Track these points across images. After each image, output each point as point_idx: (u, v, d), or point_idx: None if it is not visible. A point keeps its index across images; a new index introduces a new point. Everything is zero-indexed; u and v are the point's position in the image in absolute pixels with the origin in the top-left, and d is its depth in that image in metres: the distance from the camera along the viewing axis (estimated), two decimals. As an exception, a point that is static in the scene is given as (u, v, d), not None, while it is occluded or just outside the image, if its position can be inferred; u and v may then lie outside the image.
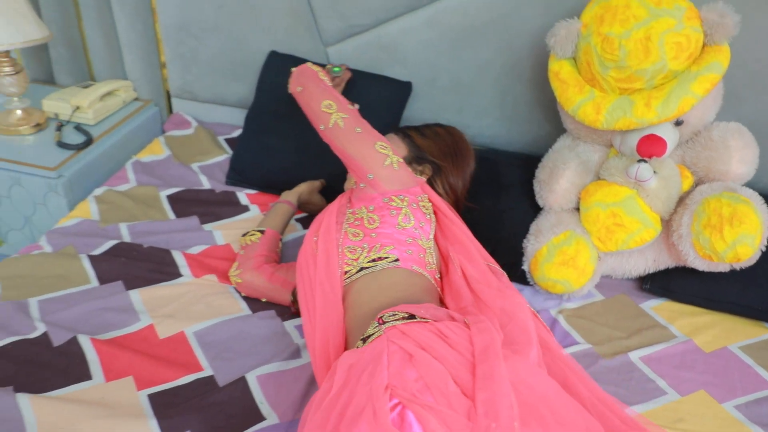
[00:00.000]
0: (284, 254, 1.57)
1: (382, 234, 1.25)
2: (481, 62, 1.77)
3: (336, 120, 1.36)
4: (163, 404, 1.20)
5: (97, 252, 1.55)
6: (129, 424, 1.15)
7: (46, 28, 1.80)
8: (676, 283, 1.47)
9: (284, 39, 1.89)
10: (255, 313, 1.42)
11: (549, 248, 1.42)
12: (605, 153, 1.54)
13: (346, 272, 1.23)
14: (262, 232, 1.50)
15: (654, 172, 1.39)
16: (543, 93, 1.73)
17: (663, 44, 1.34)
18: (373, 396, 0.88)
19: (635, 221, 1.40)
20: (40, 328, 1.33)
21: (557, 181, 1.49)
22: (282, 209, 1.57)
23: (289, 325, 1.39)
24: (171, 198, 1.76)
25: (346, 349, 1.16)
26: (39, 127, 1.91)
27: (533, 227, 1.50)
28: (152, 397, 1.22)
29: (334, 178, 1.72)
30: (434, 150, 1.47)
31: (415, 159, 1.45)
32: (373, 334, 1.03)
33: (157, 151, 1.95)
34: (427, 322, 1.02)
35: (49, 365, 1.26)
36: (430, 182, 1.44)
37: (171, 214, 1.71)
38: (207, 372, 1.27)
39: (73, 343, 1.30)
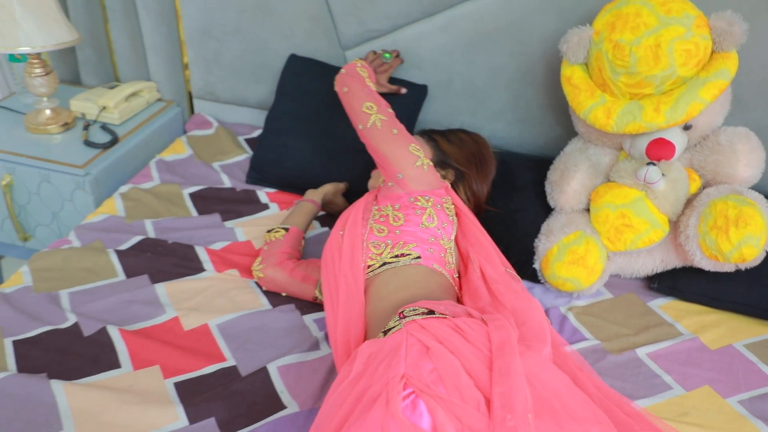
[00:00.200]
0: (304, 251, 1.62)
1: (405, 232, 1.30)
2: (495, 67, 1.82)
3: (375, 120, 1.42)
4: (188, 392, 1.26)
5: (123, 247, 1.61)
6: (157, 410, 1.21)
7: (76, 32, 1.87)
8: (683, 282, 1.50)
9: (303, 43, 1.95)
10: (275, 307, 1.47)
11: (559, 247, 1.46)
12: (615, 156, 1.58)
13: (369, 266, 1.29)
14: (286, 229, 1.55)
15: (662, 174, 1.43)
16: (555, 97, 1.78)
17: (672, 51, 1.38)
18: (388, 385, 0.93)
19: (644, 222, 1.44)
20: (71, 319, 1.40)
21: (568, 183, 1.54)
22: (306, 208, 1.63)
23: (308, 318, 1.45)
24: (193, 196, 1.82)
25: (365, 339, 1.21)
26: (67, 126, 1.98)
27: (544, 227, 1.54)
28: (178, 386, 1.27)
29: (353, 180, 1.77)
30: (459, 156, 1.53)
31: (439, 163, 1.50)
32: (393, 327, 1.08)
33: (179, 151, 2.01)
34: (445, 317, 1.07)
35: (80, 354, 1.32)
36: (453, 187, 1.49)
37: (194, 212, 1.77)
38: (230, 362, 1.33)
39: (103, 333, 1.36)
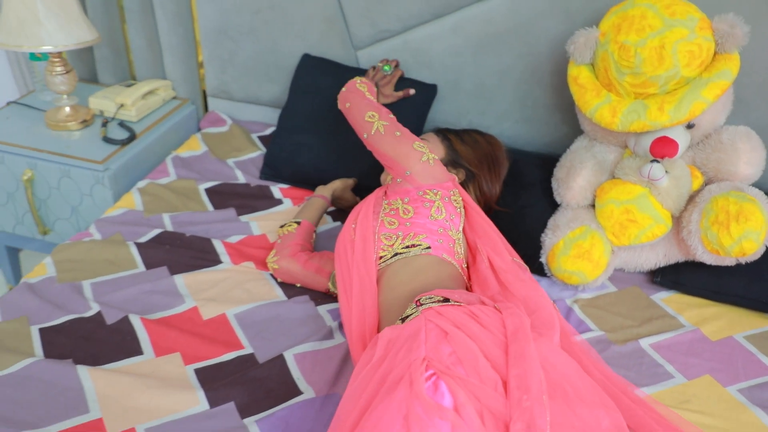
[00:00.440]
0: (316, 244, 1.67)
1: (415, 224, 1.35)
2: (503, 67, 1.87)
3: (377, 127, 1.48)
4: (208, 378, 1.31)
5: (142, 240, 1.66)
6: (179, 394, 1.26)
7: (96, 31, 1.92)
8: (685, 276, 1.55)
9: (317, 43, 2.00)
10: (290, 298, 1.52)
11: (565, 242, 1.51)
12: (620, 153, 1.63)
13: (381, 257, 1.34)
14: (298, 223, 1.61)
15: (666, 171, 1.48)
16: (561, 97, 1.82)
17: (676, 52, 1.43)
18: (411, 367, 0.97)
19: (647, 217, 1.49)
20: (94, 308, 1.45)
21: (574, 180, 1.59)
22: (317, 203, 1.68)
23: (322, 309, 1.50)
24: (209, 191, 1.87)
25: (379, 327, 1.26)
26: (85, 123, 2.03)
27: (551, 222, 1.59)
28: (198, 372, 1.32)
29: (363, 176, 1.83)
30: (471, 157, 1.58)
31: (450, 162, 1.55)
32: (411, 314, 1.13)
33: (194, 147, 2.06)
34: (460, 305, 1.12)
35: (103, 341, 1.37)
36: (463, 186, 1.54)
37: (209, 206, 1.82)
38: (247, 350, 1.38)
39: (125, 321, 1.41)
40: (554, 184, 1.66)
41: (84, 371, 1.28)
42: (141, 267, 1.58)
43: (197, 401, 1.25)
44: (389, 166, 1.47)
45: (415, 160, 1.42)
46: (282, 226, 1.62)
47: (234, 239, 1.69)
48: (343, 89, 1.64)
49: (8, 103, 2.15)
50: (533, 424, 0.93)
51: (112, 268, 1.57)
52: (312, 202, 1.69)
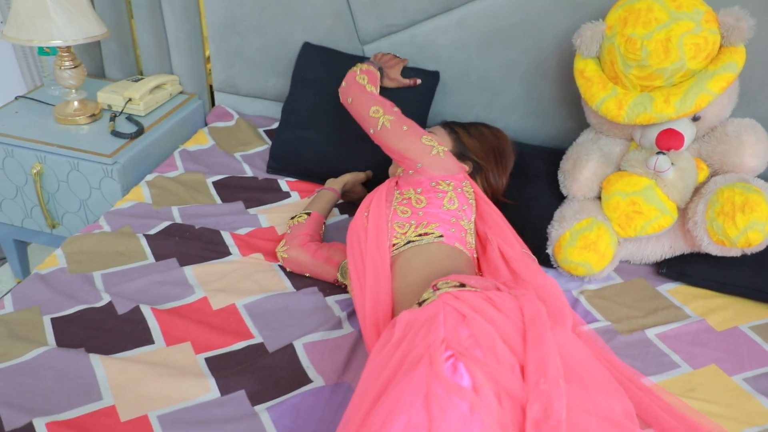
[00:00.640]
0: (325, 236, 1.68)
1: (428, 213, 1.37)
2: (509, 61, 1.88)
3: (383, 122, 1.49)
4: (218, 366, 1.32)
5: (152, 232, 1.68)
6: (191, 382, 1.27)
7: (104, 26, 1.94)
8: (690, 267, 1.56)
9: (323, 37, 2.01)
10: (299, 290, 1.53)
11: (572, 233, 1.52)
12: (626, 146, 1.64)
13: (394, 244, 1.35)
14: (308, 214, 1.62)
15: (672, 163, 1.49)
16: (567, 90, 1.84)
17: (682, 45, 1.44)
18: (430, 347, 0.98)
19: (653, 209, 1.50)
20: (106, 298, 1.46)
21: (580, 172, 1.60)
22: (327, 196, 1.69)
23: (331, 300, 1.51)
24: (217, 184, 1.89)
25: (393, 313, 1.27)
26: (94, 117, 2.05)
27: (557, 214, 1.61)
28: (209, 360, 1.34)
29: (370, 169, 1.84)
30: (478, 150, 1.59)
31: (458, 155, 1.56)
32: (428, 298, 1.14)
33: (202, 141, 2.08)
34: (477, 291, 1.13)
35: (115, 331, 1.39)
36: (470, 178, 1.56)
37: (218, 199, 1.83)
38: (257, 339, 1.39)
39: (136, 311, 1.43)
40: (560, 176, 1.67)
41: (96, 359, 1.30)
42: (151, 258, 1.59)
43: (208, 389, 1.26)
44: (399, 159, 1.49)
45: (425, 154, 1.44)
46: (292, 218, 1.64)
47: (242, 231, 1.71)
48: (343, 84, 1.65)
49: (17, 98, 2.16)
50: (550, 406, 0.95)
51: (122, 260, 1.58)
52: (322, 195, 1.70)
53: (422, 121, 1.89)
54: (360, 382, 1.06)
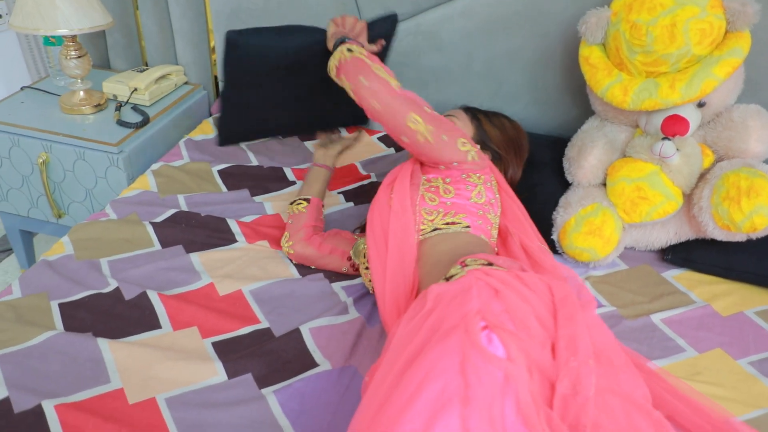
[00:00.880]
0: (332, 224, 1.69)
1: (456, 204, 1.35)
2: (514, 49, 1.88)
3: (425, 135, 1.35)
4: (225, 350, 1.33)
5: (158, 219, 1.68)
6: (198, 366, 1.28)
7: (109, 15, 1.94)
8: (696, 253, 1.56)
9: (328, 27, 2.02)
10: (304, 276, 1.54)
11: (577, 219, 1.53)
12: (631, 133, 1.64)
13: (420, 230, 1.33)
14: (307, 200, 1.60)
15: (677, 149, 1.49)
16: (572, 78, 1.84)
17: (687, 30, 1.44)
18: (465, 317, 0.97)
19: (658, 194, 1.50)
20: (113, 284, 1.47)
21: (586, 158, 1.60)
22: (321, 175, 1.66)
23: (337, 286, 1.51)
24: (222, 173, 1.89)
25: (416, 292, 1.26)
26: (99, 107, 2.05)
27: (562, 200, 1.61)
28: (216, 345, 1.34)
29: (329, 111, 1.92)
30: (500, 140, 1.57)
31: (479, 143, 1.53)
32: (456, 274, 1.14)
33: (207, 131, 2.08)
34: (505, 270, 1.13)
35: (122, 316, 1.39)
36: None
37: (223, 187, 1.84)
38: (264, 324, 1.40)
39: (143, 297, 1.43)
40: (565, 164, 1.67)
41: (104, 344, 1.31)
42: (157, 245, 1.60)
43: (215, 372, 1.27)
44: (435, 165, 1.41)
45: (462, 158, 1.38)
46: (292, 203, 1.62)
47: (248, 219, 1.71)
48: (364, 82, 1.35)
49: (22, 88, 2.17)
50: (579, 384, 0.95)
51: (128, 247, 1.59)
52: (316, 175, 1.66)
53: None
54: (389, 350, 1.04)
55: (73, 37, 1.93)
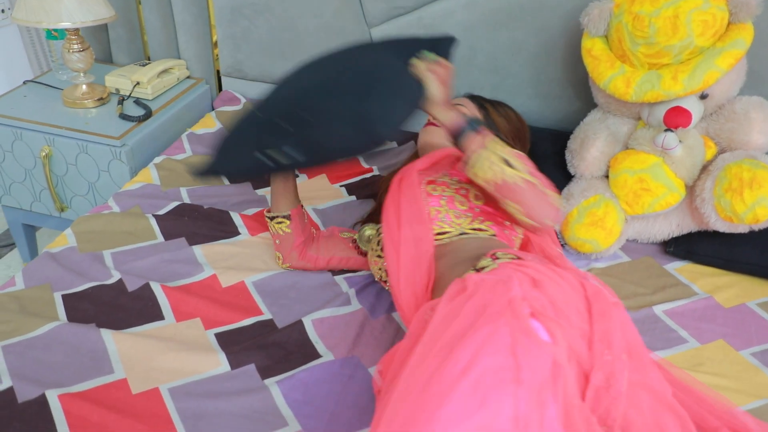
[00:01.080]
0: (333, 220, 1.68)
1: (485, 211, 1.34)
2: (516, 42, 1.88)
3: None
4: (228, 341, 1.33)
5: (161, 212, 1.68)
6: (201, 356, 1.28)
7: (112, 9, 1.94)
8: (698, 245, 1.56)
9: (331, 21, 2.02)
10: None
11: (579, 210, 1.53)
12: (633, 125, 1.64)
13: (447, 232, 1.31)
14: (288, 217, 1.44)
15: (679, 141, 1.49)
16: (574, 72, 1.84)
17: (690, 22, 1.44)
18: (512, 302, 0.97)
19: (661, 186, 1.50)
20: (116, 276, 1.47)
21: (588, 150, 1.60)
22: (287, 181, 1.46)
23: (339, 277, 1.51)
24: (225, 166, 1.89)
25: (435, 282, 1.23)
26: (102, 101, 2.06)
27: (565, 192, 1.61)
28: (218, 336, 1.35)
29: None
30: (507, 130, 1.56)
31: None
32: (488, 266, 1.13)
33: (209, 125, 2.08)
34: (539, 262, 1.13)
35: (125, 307, 1.40)
36: None
37: (226, 181, 1.84)
38: (266, 316, 1.40)
39: (146, 288, 1.44)
40: (568, 156, 1.67)
41: (107, 334, 1.31)
42: (160, 238, 1.60)
43: (218, 363, 1.27)
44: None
45: None
46: (272, 218, 1.46)
47: (251, 212, 1.71)
48: (516, 194, 1.20)
49: (25, 82, 2.18)
50: (612, 377, 0.96)
51: (131, 239, 1.59)
52: (282, 181, 1.45)
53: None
54: (428, 331, 0.99)
55: (76, 31, 1.94)
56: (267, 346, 1.32)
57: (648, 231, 1.60)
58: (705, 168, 1.54)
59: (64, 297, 1.41)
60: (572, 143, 1.67)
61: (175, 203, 1.71)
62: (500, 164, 1.19)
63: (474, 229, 1.32)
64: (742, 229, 1.47)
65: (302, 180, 1.86)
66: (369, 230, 1.46)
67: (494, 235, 1.32)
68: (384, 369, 1.09)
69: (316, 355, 1.31)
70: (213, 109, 2.24)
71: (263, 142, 1.22)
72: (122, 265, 1.51)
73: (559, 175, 1.68)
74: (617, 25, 1.54)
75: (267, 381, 1.24)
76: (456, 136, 1.24)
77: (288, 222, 1.45)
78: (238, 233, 1.63)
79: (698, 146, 1.51)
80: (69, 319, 1.36)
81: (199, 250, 1.57)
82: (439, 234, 1.32)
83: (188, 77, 2.27)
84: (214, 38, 2.24)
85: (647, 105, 1.56)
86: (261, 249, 1.59)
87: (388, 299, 1.44)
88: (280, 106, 1.30)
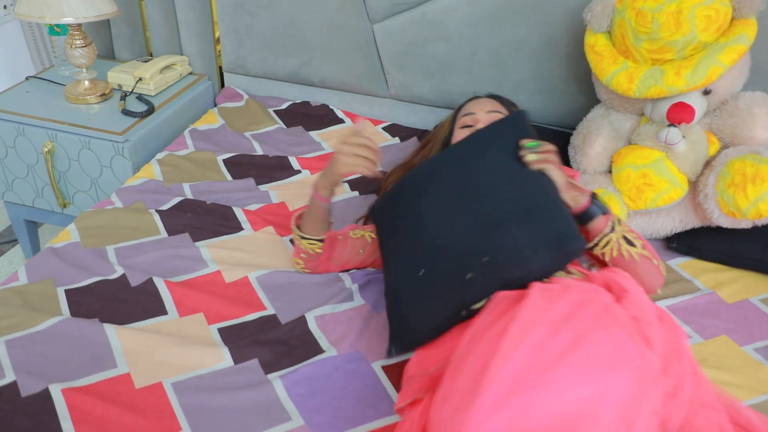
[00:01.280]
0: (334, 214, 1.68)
1: None
2: (519, 38, 1.88)
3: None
4: (231, 336, 1.34)
5: (164, 207, 1.69)
6: (204, 351, 1.28)
7: (115, 4, 1.94)
8: (701, 241, 1.56)
9: (333, 16, 2.01)
10: (310, 264, 1.55)
11: (582, 206, 1.53)
12: (636, 121, 1.64)
13: None
14: (321, 240, 1.42)
15: (683, 136, 1.49)
16: (577, 67, 1.83)
17: (693, 17, 1.44)
18: (611, 307, 0.99)
19: (664, 181, 1.50)
20: (119, 271, 1.47)
21: (590, 146, 1.60)
22: (322, 212, 1.41)
23: (342, 273, 1.51)
24: (227, 162, 1.90)
25: None
26: (104, 97, 2.06)
27: (568, 187, 1.61)
28: (222, 331, 1.35)
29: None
30: None
31: None
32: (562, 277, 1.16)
33: (212, 121, 2.09)
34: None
35: (128, 302, 1.40)
36: None
37: (228, 176, 1.84)
38: (270, 311, 1.40)
39: (149, 283, 1.44)
40: (571, 152, 1.67)
41: (111, 329, 1.31)
42: (163, 233, 1.60)
43: (222, 358, 1.27)
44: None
45: None
46: (303, 238, 1.43)
47: (254, 207, 1.72)
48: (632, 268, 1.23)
49: (27, 78, 2.18)
50: (680, 387, 1.01)
51: (135, 234, 1.59)
52: (317, 210, 1.40)
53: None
54: (520, 317, 0.95)
55: (79, 26, 1.94)
56: (270, 342, 1.32)
57: (651, 226, 1.60)
58: (708, 163, 1.54)
59: (68, 292, 1.41)
60: (575, 139, 1.67)
61: (178, 198, 1.72)
62: (625, 244, 1.24)
63: None
64: (745, 224, 1.47)
65: (305, 175, 1.86)
66: None
67: None
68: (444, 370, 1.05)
69: (319, 350, 1.31)
70: (215, 105, 2.24)
71: (466, 300, 1.14)
72: (125, 260, 1.51)
73: (562, 170, 1.68)
74: (620, 20, 1.54)
75: (270, 375, 1.25)
76: (583, 216, 1.26)
77: (320, 244, 1.43)
78: (241, 228, 1.63)
79: (701, 141, 1.51)
80: (72, 314, 1.36)
81: (203, 245, 1.57)
82: None
83: (191, 73, 2.26)
84: (217, 34, 2.24)
85: (650, 101, 1.55)
86: (264, 244, 1.59)
87: (391, 294, 1.44)
88: (444, 261, 1.18)
